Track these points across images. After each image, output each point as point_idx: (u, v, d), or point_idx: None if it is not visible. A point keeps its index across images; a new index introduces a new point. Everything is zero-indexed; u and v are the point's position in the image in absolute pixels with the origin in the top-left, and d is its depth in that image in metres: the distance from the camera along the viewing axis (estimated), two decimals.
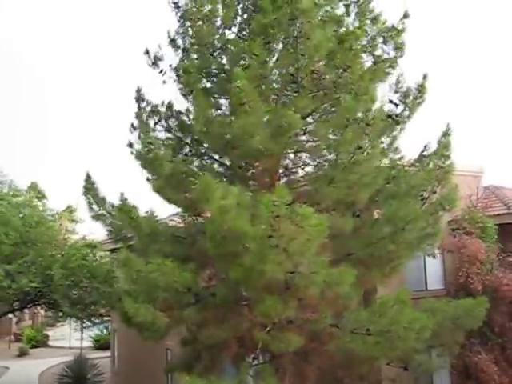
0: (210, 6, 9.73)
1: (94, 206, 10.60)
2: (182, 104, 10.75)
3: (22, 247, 19.37)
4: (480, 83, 58.68)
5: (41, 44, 64.18)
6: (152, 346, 12.34)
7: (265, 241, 7.02)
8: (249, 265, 7.28)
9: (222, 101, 10.40)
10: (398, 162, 10.34)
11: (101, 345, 32.18)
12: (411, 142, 10.88)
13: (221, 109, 10.32)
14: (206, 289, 8.98)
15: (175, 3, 10.31)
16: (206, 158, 10.59)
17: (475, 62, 59.41)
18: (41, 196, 23.78)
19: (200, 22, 9.70)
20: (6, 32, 57.71)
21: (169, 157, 9.52)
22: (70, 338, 33.88)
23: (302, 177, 10.29)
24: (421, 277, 13.58)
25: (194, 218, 10.43)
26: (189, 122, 10.65)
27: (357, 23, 10.10)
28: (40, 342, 37.10)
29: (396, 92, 10.49)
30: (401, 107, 10.44)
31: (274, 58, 9.31)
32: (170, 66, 10.66)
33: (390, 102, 10.25)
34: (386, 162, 10.14)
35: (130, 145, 10.54)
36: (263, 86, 8.81)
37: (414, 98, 10.41)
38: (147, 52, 10.78)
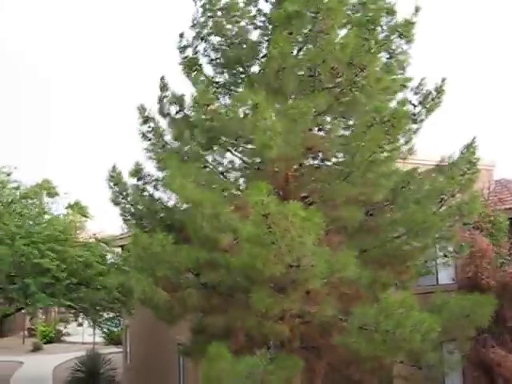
0: None
1: (116, 192, 10.92)
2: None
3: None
4: (491, 75, 58.15)
5: (45, 42, 64.52)
6: (164, 340, 12.46)
7: (259, 239, 7.10)
8: (244, 260, 7.38)
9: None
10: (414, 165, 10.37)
11: (113, 340, 32.43)
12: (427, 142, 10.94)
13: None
14: (211, 275, 9.07)
15: None
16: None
17: (486, 55, 58.84)
18: (53, 193, 23.88)
19: (219, 13, 9.70)
20: (8, 32, 58.05)
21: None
22: (83, 333, 34.19)
23: (316, 173, 10.28)
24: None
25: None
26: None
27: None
28: (53, 338, 37.49)
29: (416, 93, 10.53)
30: (418, 108, 10.49)
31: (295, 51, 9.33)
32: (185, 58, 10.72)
33: (409, 102, 10.28)
34: (401, 163, 10.18)
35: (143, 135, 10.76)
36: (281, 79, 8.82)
37: (432, 99, 10.47)
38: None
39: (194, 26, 10.53)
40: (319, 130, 9.80)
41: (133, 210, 10.99)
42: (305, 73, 9.03)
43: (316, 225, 7.04)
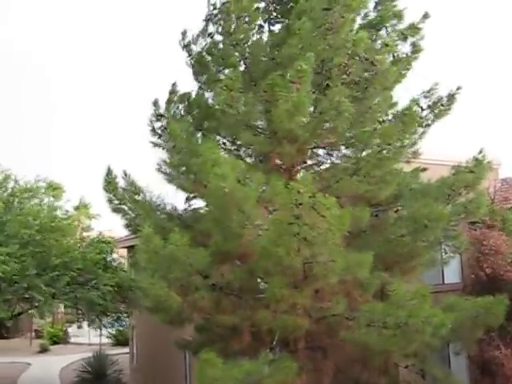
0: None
1: (114, 200, 10.80)
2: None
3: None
4: (497, 75, 57.92)
5: (48, 42, 64.62)
6: (170, 341, 12.42)
7: (284, 227, 7.03)
8: (263, 248, 7.32)
9: None
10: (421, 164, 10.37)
11: (120, 341, 32.47)
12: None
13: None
14: (221, 276, 9.02)
15: None
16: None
17: (493, 54, 58.59)
18: (59, 192, 23.86)
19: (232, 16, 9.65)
20: (11, 32, 58.24)
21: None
22: (90, 334, 34.26)
23: (324, 170, 10.31)
24: (438, 270, 13.46)
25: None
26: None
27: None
28: (60, 339, 37.59)
29: (426, 97, 10.44)
30: (426, 112, 10.41)
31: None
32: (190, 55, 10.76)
33: (417, 105, 10.20)
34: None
35: (153, 130, 10.76)
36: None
37: (441, 105, 10.39)
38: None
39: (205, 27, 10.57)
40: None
41: (133, 215, 10.84)
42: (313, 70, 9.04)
43: (344, 223, 7.01)
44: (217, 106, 9.63)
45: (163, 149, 10.62)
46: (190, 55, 10.81)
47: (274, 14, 10.38)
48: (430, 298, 7.96)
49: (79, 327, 35.45)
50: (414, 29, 10.22)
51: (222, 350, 8.89)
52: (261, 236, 7.55)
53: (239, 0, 9.37)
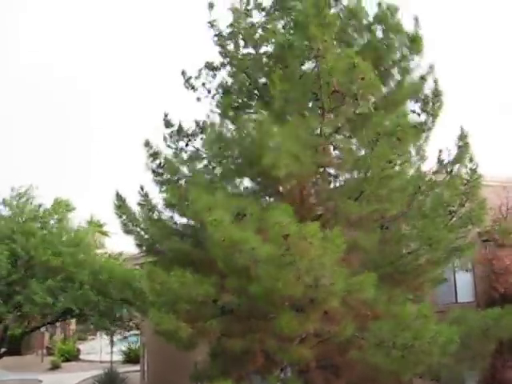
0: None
1: (126, 222, 10.86)
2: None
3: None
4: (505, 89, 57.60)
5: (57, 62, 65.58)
6: (181, 359, 12.45)
7: (278, 260, 7.14)
8: (264, 284, 7.38)
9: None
10: (426, 174, 10.30)
11: (131, 358, 32.41)
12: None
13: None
14: (230, 301, 9.05)
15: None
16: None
17: (497, 68, 58.47)
18: (70, 209, 24.21)
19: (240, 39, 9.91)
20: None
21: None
22: (101, 351, 34.23)
23: (330, 191, 10.32)
24: (450, 289, 13.38)
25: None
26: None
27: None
28: (71, 356, 37.56)
29: (416, 101, 10.47)
30: (423, 116, 10.45)
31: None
32: (203, 84, 10.99)
33: (413, 112, 10.26)
34: (412, 172, 10.11)
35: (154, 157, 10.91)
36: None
37: (432, 103, 10.38)
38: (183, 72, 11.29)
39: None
40: (334, 148, 9.86)
41: (146, 236, 10.91)
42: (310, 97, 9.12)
43: (337, 246, 7.08)
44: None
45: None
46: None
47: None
48: (433, 317, 7.90)
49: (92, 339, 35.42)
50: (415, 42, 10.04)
51: (237, 374, 8.93)
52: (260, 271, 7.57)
53: None
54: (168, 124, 11.38)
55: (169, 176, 10.74)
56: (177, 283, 8.34)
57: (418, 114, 10.39)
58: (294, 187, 9.66)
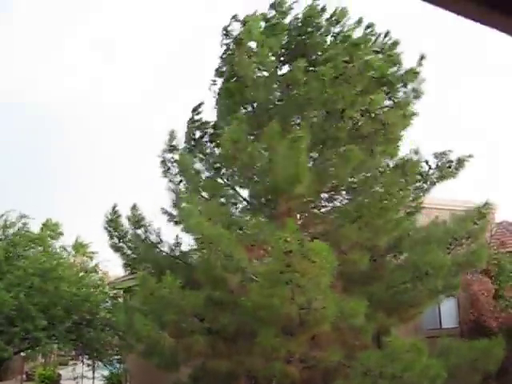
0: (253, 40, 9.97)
1: (115, 238, 10.86)
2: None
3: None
4: (492, 115, 58.48)
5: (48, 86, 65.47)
6: None
7: (276, 276, 7.06)
8: (256, 300, 7.36)
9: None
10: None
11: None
12: None
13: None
14: (216, 320, 9.03)
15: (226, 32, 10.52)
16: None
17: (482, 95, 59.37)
18: (57, 233, 24.00)
19: (244, 56, 9.84)
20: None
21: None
22: (82, 377, 33.53)
23: (325, 213, 10.37)
24: (435, 315, 13.38)
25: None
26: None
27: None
28: (52, 382, 36.69)
29: (436, 157, 10.31)
30: (432, 170, 10.35)
31: None
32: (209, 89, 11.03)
33: (425, 162, 10.20)
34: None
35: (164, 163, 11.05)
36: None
37: (449, 167, 10.21)
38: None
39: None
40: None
41: (134, 256, 10.91)
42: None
43: (330, 264, 7.07)
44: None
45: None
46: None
47: (283, 58, 10.61)
48: (426, 351, 7.91)
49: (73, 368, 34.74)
50: (413, 74, 10.10)
51: None
52: (252, 286, 7.57)
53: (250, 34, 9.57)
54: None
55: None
56: (166, 290, 8.30)
57: (430, 167, 10.25)
58: (291, 208, 9.70)
